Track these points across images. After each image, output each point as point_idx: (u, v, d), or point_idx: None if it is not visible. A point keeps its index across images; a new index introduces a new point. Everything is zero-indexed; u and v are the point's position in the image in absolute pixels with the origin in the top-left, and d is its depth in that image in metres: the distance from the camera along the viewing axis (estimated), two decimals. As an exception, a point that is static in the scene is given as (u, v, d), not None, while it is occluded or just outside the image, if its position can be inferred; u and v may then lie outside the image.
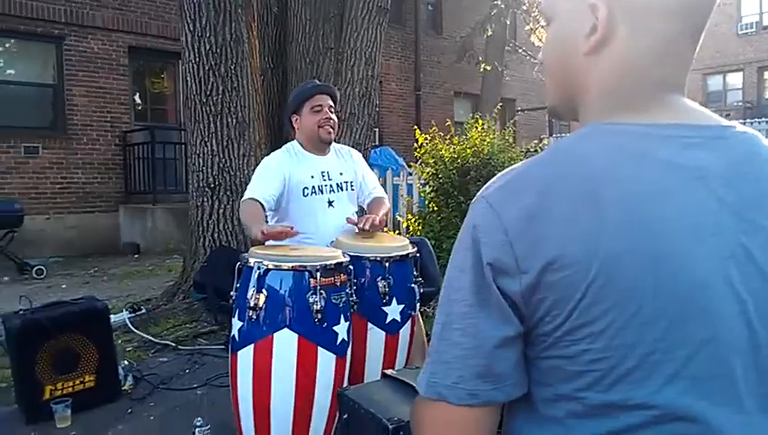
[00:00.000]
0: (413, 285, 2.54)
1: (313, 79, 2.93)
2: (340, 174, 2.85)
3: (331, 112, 2.82)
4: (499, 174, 0.79)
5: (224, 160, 4.78)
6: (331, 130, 2.82)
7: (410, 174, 7.53)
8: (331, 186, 2.80)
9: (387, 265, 2.43)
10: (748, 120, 14.81)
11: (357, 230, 2.70)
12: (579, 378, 0.70)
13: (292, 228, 2.38)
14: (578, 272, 0.68)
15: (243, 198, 2.66)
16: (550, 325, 0.71)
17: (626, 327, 0.67)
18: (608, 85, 0.80)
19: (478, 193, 0.79)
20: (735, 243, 0.71)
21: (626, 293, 0.67)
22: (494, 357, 0.73)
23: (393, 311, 2.45)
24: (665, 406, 0.68)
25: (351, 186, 2.89)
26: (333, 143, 2.92)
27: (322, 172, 2.80)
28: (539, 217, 0.70)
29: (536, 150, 6.56)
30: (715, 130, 0.78)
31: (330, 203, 2.78)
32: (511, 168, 0.79)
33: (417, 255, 2.61)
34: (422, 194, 6.70)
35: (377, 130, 11.27)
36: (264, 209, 2.60)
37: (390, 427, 1.55)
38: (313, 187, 2.75)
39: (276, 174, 2.69)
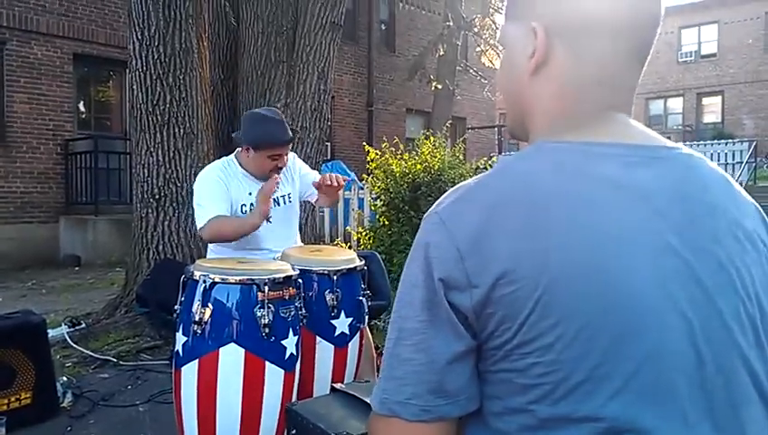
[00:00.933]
0: (361, 298, 2.53)
1: (278, 117, 2.83)
2: (277, 186, 2.81)
3: (285, 156, 2.78)
4: (450, 190, 0.80)
5: (170, 171, 4.68)
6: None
7: (362, 188, 7.54)
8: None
9: (335, 278, 2.41)
10: (687, 143, 15.48)
11: (322, 189, 2.70)
12: (529, 391, 0.71)
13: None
14: (526, 287, 0.69)
15: (207, 219, 2.57)
16: (500, 339, 0.71)
17: (573, 341, 0.68)
18: (550, 105, 0.82)
19: (430, 209, 0.79)
20: (679, 263, 0.72)
21: (573, 308, 0.69)
22: (446, 373, 0.73)
23: (341, 324, 2.43)
24: (612, 419, 0.69)
25: (289, 198, 2.86)
26: None
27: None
28: (489, 232, 0.71)
29: (486, 168, 6.67)
30: (658, 150, 0.80)
31: (267, 220, 2.73)
32: (461, 184, 0.80)
33: (366, 268, 2.61)
34: (373, 208, 6.72)
35: (328, 144, 11.26)
36: None
37: (338, 442, 1.53)
38: (251, 204, 2.71)
39: (223, 189, 2.66)
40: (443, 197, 0.80)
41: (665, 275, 0.71)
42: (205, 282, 2.07)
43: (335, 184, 2.67)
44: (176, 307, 2.19)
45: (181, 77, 4.72)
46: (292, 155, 2.96)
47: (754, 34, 20.75)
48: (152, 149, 4.67)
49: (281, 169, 2.75)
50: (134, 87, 4.75)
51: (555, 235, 0.70)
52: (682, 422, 0.70)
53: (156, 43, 4.63)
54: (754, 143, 14.56)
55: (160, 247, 4.63)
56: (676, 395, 0.70)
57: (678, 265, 0.72)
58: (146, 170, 4.69)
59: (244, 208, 2.71)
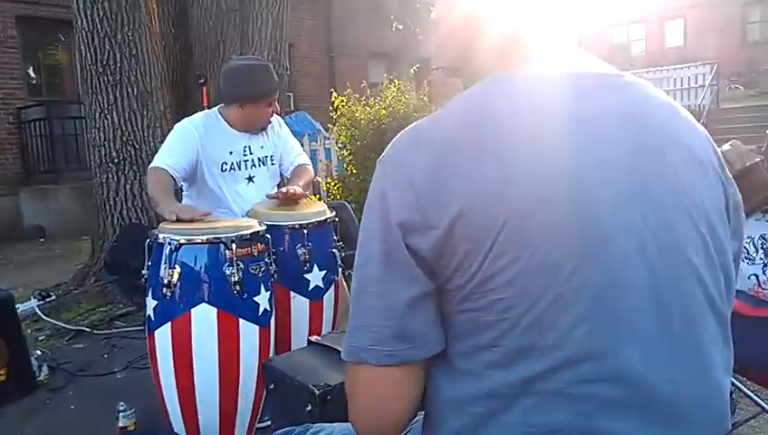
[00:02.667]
0: (334, 251, 2.51)
1: (266, 63, 2.76)
2: (261, 147, 2.76)
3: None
4: (403, 131, 0.79)
5: (127, 133, 4.52)
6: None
7: (327, 138, 7.44)
8: (252, 160, 2.72)
9: (305, 231, 2.38)
10: (651, 68, 15.53)
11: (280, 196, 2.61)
12: (494, 327, 0.71)
13: (209, 213, 2.29)
14: (484, 224, 0.69)
15: (151, 165, 2.52)
16: (462, 278, 0.71)
17: (534, 273, 0.69)
18: (502, 39, 0.82)
19: (383, 152, 0.78)
20: (634, 189, 0.73)
21: (532, 240, 0.69)
22: (407, 317, 0.74)
23: (315, 277, 2.42)
24: (574, 346, 0.70)
25: (272, 160, 2.80)
26: None
27: (244, 147, 2.70)
28: (444, 172, 0.71)
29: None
30: (607, 78, 0.81)
31: (250, 178, 2.70)
32: (411, 125, 0.79)
33: (336, 219, 2.57)
34: (340, 157, 6.65)
35: (291, 94, 11.04)
36: (174, 181, 2.49)
37: (317, 392, 1.53)
38: (232, 163, 2.65)
39: (190, 144, 2.56)
40: (395, 139, 0.79)
41: (621, 201, 0.72)
42: (170, 244, 2.03)
43: (292, 195, 2.56)
44: (143, 272, 2.15)
45: (130, 34, 4.52)
46: (278, 119, 2.89)
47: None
48: (106, 112, 4.51)
49: (272, 115, 2.73)
50: (81, 47, 4.55)
51: (510, 169, 0.69)
52: (641, 343, 0.72)
53: (100, 0, 4.41)
54: (716, 66, 14.64)
55: (124, 212, 4.53)
56: (636, 317, 0.72)
57: (633, 192, 0.73)
58: (102, 134, 4.54)
59: (224, 167, 2.64)
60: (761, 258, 1.68)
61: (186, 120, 2.71)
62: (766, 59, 17.86)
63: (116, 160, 4.52)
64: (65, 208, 8.16)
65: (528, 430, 0.72)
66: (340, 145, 6.55)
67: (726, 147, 1.79)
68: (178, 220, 2.18)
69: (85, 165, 8.24)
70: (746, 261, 1.73)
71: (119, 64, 4.49)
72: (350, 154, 6.20)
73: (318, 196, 6.80)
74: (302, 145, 7.61)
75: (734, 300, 0.89)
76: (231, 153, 2.66)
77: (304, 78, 12.90)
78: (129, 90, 4.53)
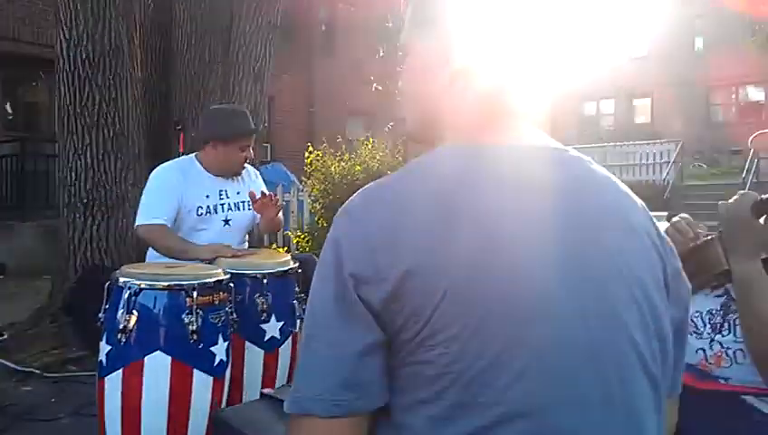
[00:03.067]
0: (294, 302, 2.51)
1: (243, 110, 2.89)
2: (237, 193, 2.82)
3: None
4: (364, 187, 0.83)
5: (99, 175, 4.52)
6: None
7: (301, 190, 7.50)
8: (229, 204, 2.77)
9: (265, 281, 2.39)
10: (618, 143, 16.06)
11: (256, 205, 2.71)
12: (437, 381, 0.73)
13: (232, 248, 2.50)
14: (433, 281, 0.72)
15: (146, 221, 2.59)
16: (410, 331, 0.74)
17: (478, 330, 0.72)
18: (463, 111, 0.88)
19: (342, 206, 0.82)
20: (574, 255, 0.78)
21: (476, 300, 0.72)
22: (357, 366, 0.75)
23: (272, 328, 2.41)
24: (512, 402, 0.72)
25: (248, 205, 2.84)
26: None
27: (220, 191, 2.76)
28: (398, 228, 0.75)
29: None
30: (554, 152, 0.87)
31: (226, 222, 2.75)
32: (374, 182, 0.83)
33: (300, 271, 2.59)
34: (312, 210, 6.70)
35: (268, 145, 11.15)
36: None
37: (265, 448, 1.53)
38: (208, 206, 2.71)
39: (172, 192, 2.63)
40: (357, 193, 0.83)
41: (561, 267, 0.77)
42: (130, 288, 2.02)
43: (267, 199, 2.68)
44: (100, 315, 2.13)
45: (111, 77, 4.57)
46: (252, 169, 2.99)
47: (683, 39, 21.70)
48: (80, 152, 4.51)
49: (248, 160, 2.80)
50: (61, 87, 4.58)
51: (460, 231, 0.74)
52: (577, 402, 0.75)
53: (84, 43, 4.47)
54: (681, 143, 15.20)
55: (88, 253, 4.47)
56: (573, 377, 0.75)
57: (573, 257, 0.78)
58: (73, 174, 4.53)
59: (200, 211, 2.69)
60: (708, 333, 1.71)
61: (162, 167, 2.76)
62: (728, 140, 18.58)
63: (85, 201, 4.50)
64: (29, 246, 7.99)
65: None
66: (312, 198, 6.61)
67: (676, 218, 1.87)
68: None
69: (53, 204, 8.15)
70: (694, 335, 1.76)
71: (97, 107, 4.52)
72: (322, 207, 6.26)
73: (287, 248, 6.80)
74: (275, 195, 7.66)
75: (681, 372, 0.94)
76: (207, 196, 2.72)
77: (283, 130, 13.07)
78: (105, 132, 4.56)
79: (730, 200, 1.63)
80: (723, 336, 1.66)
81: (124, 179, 4.58)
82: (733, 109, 21.86)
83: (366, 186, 0.83)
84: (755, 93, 21.59)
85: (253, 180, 2.94)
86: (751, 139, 1.78)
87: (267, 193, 2.74)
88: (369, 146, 6.44)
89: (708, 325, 1.70)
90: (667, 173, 14.48)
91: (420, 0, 0.94)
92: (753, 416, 1.61)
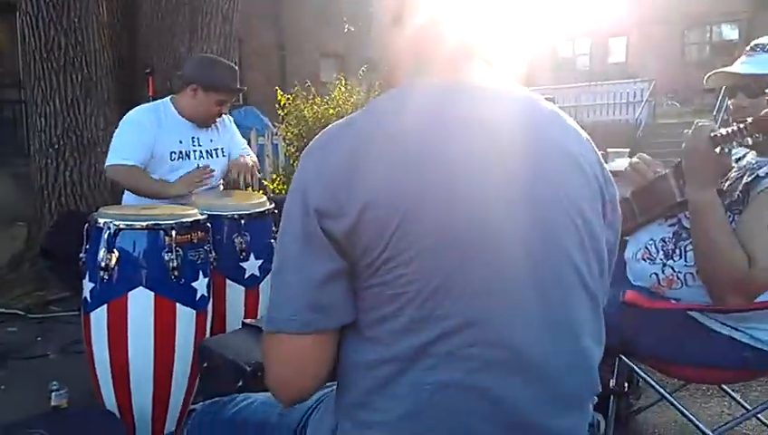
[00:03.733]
0: (272, 241, 2.59)
1: (232, 66, 2.85)
2: (211, 141, 2.83)
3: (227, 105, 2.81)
4: (323, 131, 0.91)
5: (69, 120, 4.48)
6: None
7: (275, 134, 7.46)
8: (200, 152, 2.79)
9: (243, 222, 2.46)
10: (593, 83, 16.08)
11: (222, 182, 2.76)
12: (396, 299, 0.83)
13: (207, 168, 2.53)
14: (389, 212, 0.81)
15: (115, 162, 2.59)
16: (369, 257, 0.83)
17: (430, 253, 0.81)
18: (410, 52, 0.95)
19: (308, 146, 0.90)
20: (518, 184, 0.86)
21: (428, 227, 0.81)
22: (321, 291, 0.85)
23: (251, 266, 2.49)
24: (462, 315, 0.83)
25: (222, 152, 2.88)
26: None
27: (192, 138, 2.77)
28: (355, 166, 0.82)
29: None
30: (500, 91, 0.94)
31: (199, 169, 2.75)
32: (332, 124, 0.91)
33: (276, 211, 2.66)
34: (287, 153, 6.70)
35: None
36: None
37: (248, 369, 1.62)
38: (181, 152, 2.72)
39: (144, 136, 2.63)
40: (320, 133, 0.90)
41: (503, 193, 0.85)
42: (109, 229, 2.06)
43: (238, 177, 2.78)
44: (81, 255, 2.18)
45: (76, 20, 4.47)
46: (227, 117, 2.98)
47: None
48: (48, 98, 4.45)
49: (221, 114, 2.80)
50: (26, 32, 4.47)
51: (412, 166, 0.82)
52: (521, 311, 0.85)
53: (47, -15, 4.35)
54: (653, 82, 15.29)
55: (63, 199, 4.48)
56: (517, 292, 0.85)
57: (514, 185, 0.86)
58: (43, 120, 4.48)
59: (173, 156, 2.70)
60: (660, 259, 1.82)
61: (135, 110, 2.76)
62: (702, 79, 18.62)
63: (56, 146, 4.47)
64: (1, 194, 7.89)
65: (424, 387, 0.84)
66: (287, 141, 6.60)
67: (634, 159, 1.97)
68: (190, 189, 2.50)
69: (23, 150, 8.01)
70: (648, 261, 1.87)
71: (63, 50, 4.44)
72: (296, 151, 6.26)
73: (263, 190, 6.83)
74: (249, 140, 7.63)
75: (606, 286, 1.01)
76: (180, 142, 2.72)
77: (254, 73, 12.81)
78: (74, 76, 4.49)
79: (687, 131, 1.72)
80: (674, 261, 1.78)
81: (95, 124, 4.54)
82: (707, 48, 21.89)
83: (329, 125, 0.91)
84: (729, 32, 21.60)
85: (226, 127, 2.96)
86: (705, 78, 1.86)
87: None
88: (342, 89, 6.41)
89: (661, 252, 1.82)
90: (640, 112, 14.61)
91: None
92: (701, 333, 1.75)
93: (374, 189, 0.81)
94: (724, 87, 1.96)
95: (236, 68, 2.85)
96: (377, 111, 0.90)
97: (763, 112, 1.54)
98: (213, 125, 2.86)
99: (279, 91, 6.60)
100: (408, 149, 0.83)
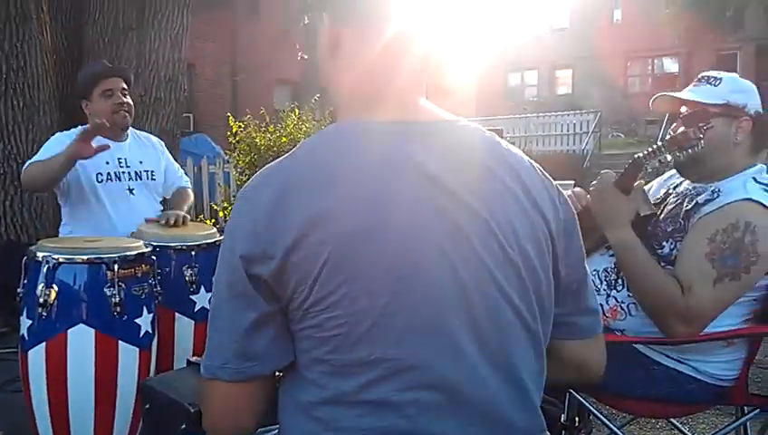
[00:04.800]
0: (222, 273, 2.53)
1: (103, 60, 2.75)
2: (140, 162, 2.73)
3: (125, 96, 2.66)
4: (258, 172, 0.91)
5: (9, 147, 4.33)
6: (127, 114, 2.66)
7: (227, 162, 7.39)
8: (129, 173, 2.68)
9: (193, 253, 2.40)
10: (540, 114, 16.53)
11: (162, 222, 2.61)
12: (327, 342, 0.82)
13: (103, 123, 2.32)
14: (313, 253, 0.80)
15: (24, 167, 2.50)
16: (298, 300, 0.82)
17: (359, 296, 0.80)
18: (342, 87, 0.95)
19: (239, 191, 0.91)
20: (446, 219, 0.85)
21: (355, 268, 0.80)
22: (251, 338, 0.85)
23: (201, 299, 2.43)
24: (396, 359, 0.81)
25: (153, 175, 2.78)
26: (133, 130, 2.79)
27: (119, 159, 2.66)
28: (281, 208, 0.82)
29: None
30: (434, 125, 0.92)
31: (130, 191, 2.66)
32: (266, 166, 0.91)
33: (223, 238, 2.60)
34: (239, 182, 6.62)
35: (191, 116, 10.85)
36: None
37: (192, 410, 1.56)
38: (108, 173, 2.61)
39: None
40: (253, 177, 0.91)
41: (435, 232, 0.84)
42: (48, 262, 1.99)
43: (171, 223, 2.59)
44: (19, 290, 2.09)
45: (19, 45, 4.35)
46: (156, 139, 2.92)
47: (602, 11, 22.40)
48: (-12, 123, 4.30)
49: (123, 106, 2.64)
50: (-36, 55, 4.33)
51: (336, 206, 0.81)
52: (456, 352, 0.84)
53: (-13, 7, 4.23)
54: (599, 114, 15.80)
55: (2, 229, 4.30)
56: (450, 333, 0.83)
57: (447, 224, 0.84)
58: (-18, 146, 4.32)
59: (99, 177, 2.59)
60: (604, 289, 1.85)
61: (59, 134, 2.67)
62: (645, 110, 19.39)
63: (-4, 174, 4.30)
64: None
65: (362, 433, 0.83)
66: (239, 170, 6.53)
67: (569, 192, 2.02)
68: (86, 142, 2.30)
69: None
70: None
71: (5, 76, 4.31)
72: (248, 179, 6.18)
73: (214, 220, 6.72)
74: (200, 168, 7.53)
75: (589, 316, 1.02)
76: (107, 163, 2.61)
77: (207, 100, 12.74)
78: (15, 102, 4.35)
79: (594, 182, 1.80)
80: (617, 291, 1.81)
81: (37, 151, 4.38)
82: (649, 80, 22.85)
83: (263, 168, 0.91)
84: (670, 64, 22.64)
85: (159, 150, 2.88)
86: (651, 101, 1.92)
87: (168, 219, 2.59)
88: (295, 117, 6.40)
89: (604, 282, 1.85)
90: (587, 143, 15.05)
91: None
92: (645, 366, 1.77)
93: (299, 229, 0.80)
94: (666, 117, 2.04)
95: (103, 61, 2.82)
96: (307, 152, 0.89)
97: (678, 132, 1.62)
98: (138, 143, 2.78)
99: (231, 118, 6.54)
100: (333, 189, 0.82)
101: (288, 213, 0.81)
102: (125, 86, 2.68)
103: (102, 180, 2.60)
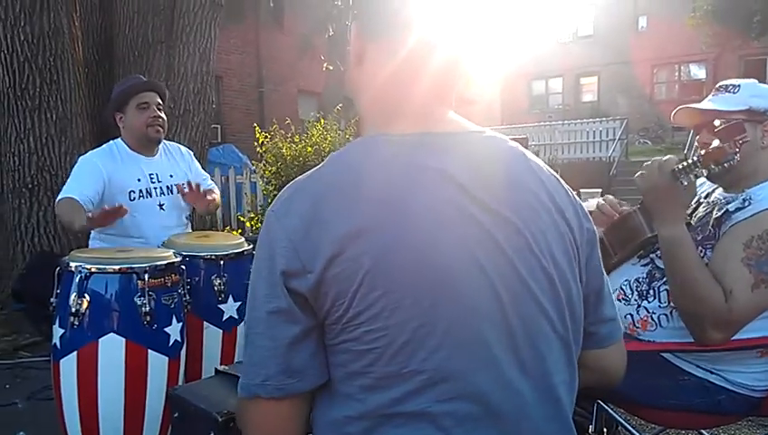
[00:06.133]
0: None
1: (139, 75, 2.82)
2: (170, 176, 2.78)
3: (159, 110, 2.71)
4: (286, 186, 0.91)
5: (43, 159, 4.45)
6: (160, 128, 2.71)
7: (254, 172, 7.45)
8: (161, 188, 2.73)
9: (221, 263, 2.42)
10: (566, 121, 16.39)
11: (187, 198, 2.68)
12: (366, 355, 0.82)
13: (120, 206, 2.30)
14: (352, 267, 0.80)
15: (58, 198, 2.51)
16: (337, 314, 0.82)
17: (396, 309, 0.80)
18: (369, 98, 0.95)
19: (270, 207, 0.90)
20: (481, 232, 0.85)
21: (393, 281, 0.80)
22: (291, 354, 0.84)
23: (229, 308, 2.45)
24: (433, 370, 0.81)
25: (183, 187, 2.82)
26: (164, 142, 2.84)
27: (150, 175, 2.71)
28: (317, 222, 0.82)
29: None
30: (462, 136, 0.92)
31: (160, 206, 2.71)
32: (294, 180, 0.90)
33: (255, 252, 2.62)
34: (265, 192, 6.68)
35: (218, 126, 10.99)
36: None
37: (220, 420, 1.57)
38: (140, 190, 2.66)
39: (95, 175, 2.56)
40: (281, 192, 0.91)
41: (469, 243, 0.84)
42: (81, 272, 2.02)
43: (195, 192, 2.65)
44: (52, 300, 2.13)
45: (51, 59, 4.47)
46: (186, 149, 2.96)
47: (627, 18, 22.20)
48: (22, 136, 4.42)
49: (157, 120, 2.69)
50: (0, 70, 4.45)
51: (371, 218, 0.81)
52: (492, 364, 0.84)
53: (22, 24, 4.35)
54: (626, 121, 15.63)
55: (36, 239, 4.41)
56: (486, 343, 0.83)
57: (480, 234, 0.85)
58: (16, 159, 4.44)
59: (132, 195, 2.63)
60: (635, 299, 1.82)
61: (87, 154, 2.72)
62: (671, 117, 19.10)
63: (30, 186, 4.42)
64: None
65: None
66: (265, 180, 6.59)
67: (601, 201, 1.99)
68: (95, 223, 2.29)
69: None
70: (623, 302, 1.87)
71: (38, 89, 4.43)
72: (275, 189, 6.24)
73: (241, 230, 6.78)
74: (227, 178, 7.59)
75: (609, 325, 1.02)
76: (139, 180, 2.67)
77: (233, 111, 12.89)
78: (48, 115, 4.47)
79: (644, 170, 1.71)
80: (648, 302, 1.77)
81: (69, 163, 4.48)
82: (676, 87, 22.54)
83: (291, 182, 0.91)
84: (697, 71, 22.31)
85: (187, 161, 2.92)
86: (672, 115, 1.90)
87: (194, 184, 2.68)
88: (320, 127, 6.44)
89: (636, 292, 1.82)
90: (614, 150, 14.88)
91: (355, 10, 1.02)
92: (674, 376, 1.74)
93: (336, 243, 0.80)
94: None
95: (140, 76, 2.85)
96: (340, 164, 0.89)
97: (711, 147, 1.58)
98: (171, 158, 2.83)
99: (257, 128, 6.61)
100: (367, 201, 0.83)
101: (324, 228, 0.82)
102: (160, 101, 2.74)
103: (135, 198, 2.64)
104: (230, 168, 7.68)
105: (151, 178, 2.71)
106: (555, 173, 0.98)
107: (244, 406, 0.90)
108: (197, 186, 2.70)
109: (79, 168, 2.63)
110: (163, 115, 2.74)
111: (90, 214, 2.25)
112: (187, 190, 2.68)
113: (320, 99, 14.06)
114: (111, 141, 2.75)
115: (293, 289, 0.83)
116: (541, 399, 0.87)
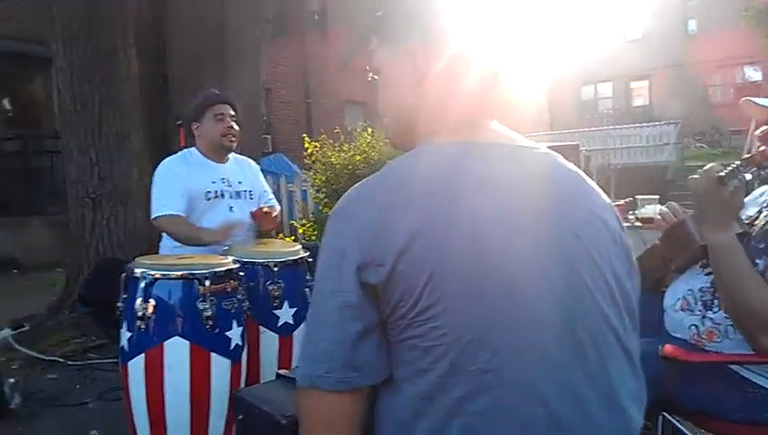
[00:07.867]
0: (305, 289, 2.60)
1: (213, 89, 2.99)
2: (240, 182, 2.93)
3: (233, 121, 2.88)
4: (351, 188, 0.94)
5: (104, 171, 4.62)
6: (234, 138, 2.88)
7: (305, 180, 7.57)
8: (231, 192, 2.88)
9: (276, 269, 2.48)
10: (617, 126, 16.04)
11: (257, 219, 2.86)
12: (430, 352, 0.84)
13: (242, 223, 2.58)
14: (419, 264, 0.83)
15: (160, 213, 2.69)
16: (403, 309, 0.84)
17: (462, 306, 0.82)
18: (429, 114, 0.98)
19: (335, 206, 0.93)
20: (547, 242, 0.87)
21: (458, 281, 0.82)
22: (357, 348, 0.86)
23: (285, 314, 2.50)
24: (496, 370, 0.82)
25: (250, 195, 2.96)
26: (233, 153, 2.99)
27: (222, 179, 2.86)
28: (386, 222, 0.85)
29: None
30: (518, 149, 0.96)
31: (230, 208, 2.84)
32: (356, 185, 0.94)
33: (310, 259, 2.68)
34: (316, 200, 6.77)
35: (268, 137, 11.18)
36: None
37: (283, 422, 1.61)
38: (216, 191, 2.82)
39: (176, 183, 2.73)
40: (344, 196, 0.94)
41: (536, 251, 0.86)
42: (145, 278, 2.11)
43: (267, 214, 2.86)
44: (119, 304, 2.22)
45: (108, 76, 4.64)
46: (254, 163, 3.14)
47: (676, 21, 21.64)
48: (84, 150, 4.60)
49: (231, 131, 2.86)
50: (60, 87, 4.66)
51: (439, 221, 0.84)
52: (557, 371, 0.85)
53: (80, 43, 4.53)
54: (680, 125, 15.21)
55: (100, 247, 4.57)
56: (549, 350, 0.85)
57: (545, 242, 0.87)
58: (79, 171, 4.62)
59: (209, 195, 2.80)
60: (699, 310, 1.76)
61: (165, 161, 2.86)
62: (728, 120, 18.52)
63: (93, 196, 4.59)
64: (38, 241, 8.08)
65: None
66: (315, 188, 6.68)
67: (663, 208, 1.96)
68: (224, 238, 2.54)
69: (58, 199, 8.21)
70: (686, 312, 1.80)
71: (97, 106, 4.59)
72: (325, 197, 6.32)
73: (294, 237, 6.89)
74: (278, 186, 7.73)
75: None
76: (213, 182, 2.82)
77: (281, 121, 13.09)
78: (107, 130, 4.64)
79: (696, 175, 1.69)
80: (714, 313, 1.71)
81: (129, 174, 4.67)
82: (731, 89, 21.80)
83: (354, 186, 0.94)
84: (752, 73, 21.55)
85: (254, 172, 3.07)
86: (741, 101, 1.85)
87: (268, 208, 2.91)
88: (368, 136, 6.50)
89: (700, 302, 1.75)
90: (669, 155, 14.49)
91: (387, 20, 1.06)
92: (743, 387, 1.68)
93: (405, 240, 0.83)
94: (753, 126, 1.94)
95: (215, 90, 3.03)
96: (400, 169, 0.93)
97: (755, 150, 1.54)
98: (241, 166, 2.97)
99: (306, 138, 6.71)
100: (434, 205, 0.85)
101: (393, 227, 0.84)
102: (233, 113, 2.92)
103: (210, 198, 2.81)
104: (281, 176, 7.82)
105: (223, 181, 2.86)
106: (608, 178, 1.02)
107: (303, 396, 0.90)
108: (270, 209, 2.91)
109: (164, 178, 2.78)
110: (236, 126, 2.90)
111: (218, 236, 2.52)
112: (257, 212, 2.86)
113: (365, 108, 14.16)
114: (186, 150, 2.92)
115: (366, 282, 0.85)
116: (607, 412, 0.87)
